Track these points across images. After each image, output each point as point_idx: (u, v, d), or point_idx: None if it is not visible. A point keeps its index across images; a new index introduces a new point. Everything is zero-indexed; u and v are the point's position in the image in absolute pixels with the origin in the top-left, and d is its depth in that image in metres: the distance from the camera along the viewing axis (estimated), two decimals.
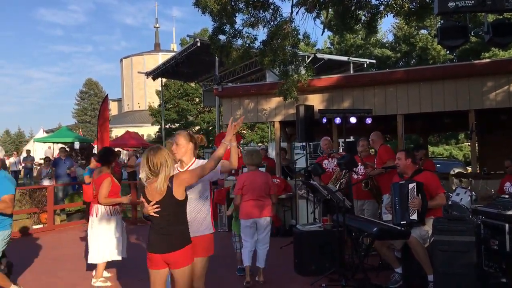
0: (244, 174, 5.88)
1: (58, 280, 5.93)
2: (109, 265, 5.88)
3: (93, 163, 8.07)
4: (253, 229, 5.58)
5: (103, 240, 5.67)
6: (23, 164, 21.13)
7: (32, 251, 7.71)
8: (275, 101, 9.71)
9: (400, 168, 5.32)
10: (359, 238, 5.24)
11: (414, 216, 4.86)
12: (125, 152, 24.91)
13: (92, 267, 5.90)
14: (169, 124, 34.05)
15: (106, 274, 5.91)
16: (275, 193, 5.89)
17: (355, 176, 6.70)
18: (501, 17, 5.12)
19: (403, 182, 5.08)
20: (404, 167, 5.26)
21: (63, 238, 8.94)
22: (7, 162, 21.14)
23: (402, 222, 4.89)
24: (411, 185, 4.93)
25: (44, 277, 6.07)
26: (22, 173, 21.72)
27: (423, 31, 30.94)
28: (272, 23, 8.86)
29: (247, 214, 5.54)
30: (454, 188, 7.76)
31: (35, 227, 9.69)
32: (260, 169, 6.14)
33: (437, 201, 5.05)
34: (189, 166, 3.78)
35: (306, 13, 9.33)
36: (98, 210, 5.74)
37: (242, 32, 8.94)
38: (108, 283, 5.68)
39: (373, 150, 7.50)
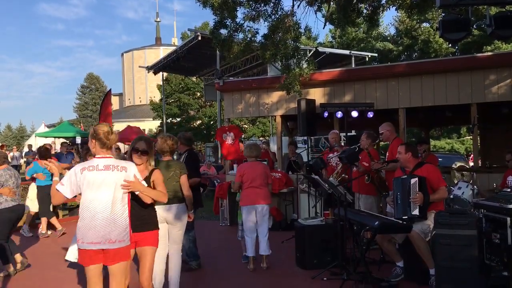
0: (244, 164, 6.17)
1: (60, 274, 5.94)
2: None
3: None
4: (253, 215, 5.86)
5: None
6: (24, 159, 21.15)
7: (34, 245, 7.73)
8: (276, 95, 9.69)
9: (401, 162, 5.31)
10: (360, 232, 5.23)
11: (416, 212, 4.84)
12: (126, 146, 24.90)
13: None
14: (170, 119, 34.03)
15: None
16: (272, 183, 6.22)
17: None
18: (504, 10, 5.09)
19: (405, 176, 5.06)
20: (405, 161, 5.24)
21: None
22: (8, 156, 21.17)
23: (403, 217, 4.88)
24: (413, 180, 4.91)
25: (46, 271, 6.10)
26: (23, 167, 21.76)
27: (425, 24, 30.79)
28: (273, 16, 8.81)
29: (247, 200, 5.87)
30: (456, 182, 7.75)
31: (37, 221, 9.71)
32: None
33: (439, 195, 5.03)
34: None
35: (307, 6, 9.28)
36: None
37: (243, 26, 8.90)
38: None
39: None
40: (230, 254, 6.70)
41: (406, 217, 4.86)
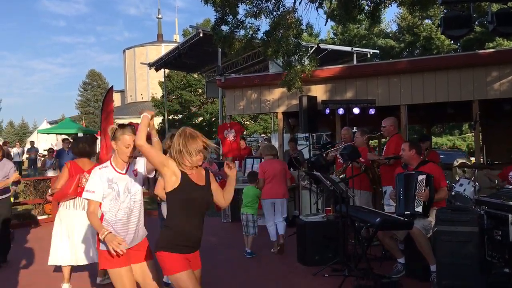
0: (264, 162, 6.71)
1: (61, 269, 5.95)
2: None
3: None
4: (273, 207, 6.48)
5: (58, 240, 5.05)
6: (27, 155, 21.19)
7: (36, 242, 7.76)
8: (278, 92, 9.68)
9: (404, 159, 5.30)
10: (361, 229, 5.24)
11: (419, 209, 4.84)
12: None
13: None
14: (172, 115, 34.06)
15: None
16: (290, 177, 6.87)
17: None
18: (506, 6, 5.08)
19: (412, 172, 5.05)
20: (409, 158, 5.24)
21: None
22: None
23: (406, 213, 4.88)
24: (420, 177, 4.90)
25: (48, 267, 6.10)
26: (25, 164, 21.79)
27: (427, 21, 30.72)
28: (274, 13, 8.81)
29: (267, 195, 6.45)
30: (457, 179, 7.74)
31: (39, 217, 9.75)
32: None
33: (441, 195, 5.05)
34: None
35: (309, 3, 9.28)
36: (65, 203, 5.02)
37: (245, 23, 8.90)
38: None
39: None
40: (231, 250, 6.72)
41: (409, 212, 4.87)
